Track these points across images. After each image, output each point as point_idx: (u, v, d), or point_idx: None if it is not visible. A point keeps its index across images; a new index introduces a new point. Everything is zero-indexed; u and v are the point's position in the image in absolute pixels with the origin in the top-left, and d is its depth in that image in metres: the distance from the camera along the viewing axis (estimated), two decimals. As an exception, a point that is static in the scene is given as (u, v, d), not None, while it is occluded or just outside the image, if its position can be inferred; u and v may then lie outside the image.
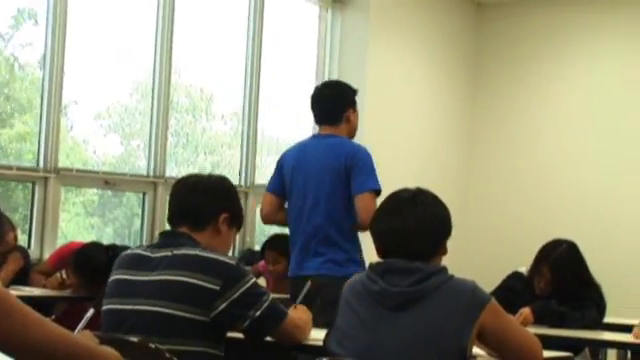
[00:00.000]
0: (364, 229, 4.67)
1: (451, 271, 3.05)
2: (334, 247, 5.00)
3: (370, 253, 3.45)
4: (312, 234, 5.08)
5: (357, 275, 3.15)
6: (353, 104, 5.19)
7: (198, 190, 3.40)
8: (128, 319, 3.23)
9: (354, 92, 5.24)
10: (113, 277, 3.36)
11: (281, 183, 5.23)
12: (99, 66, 7.06)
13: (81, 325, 3.06)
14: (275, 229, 8.20)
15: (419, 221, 3.05)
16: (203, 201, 3.37)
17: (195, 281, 3.17)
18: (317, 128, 5.37)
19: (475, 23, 9.52)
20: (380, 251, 3.12)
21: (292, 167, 5.16)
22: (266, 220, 5.43)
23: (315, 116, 5.23)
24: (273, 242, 6.74)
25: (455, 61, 9.39)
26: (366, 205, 4.84)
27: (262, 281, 6.66)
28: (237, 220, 3.45)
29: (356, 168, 4.95)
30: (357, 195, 4.91)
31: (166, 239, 3.36)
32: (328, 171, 5.04)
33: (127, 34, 7.25)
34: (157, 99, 7.30)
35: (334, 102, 5.16)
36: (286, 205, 5.28)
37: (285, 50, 8.40)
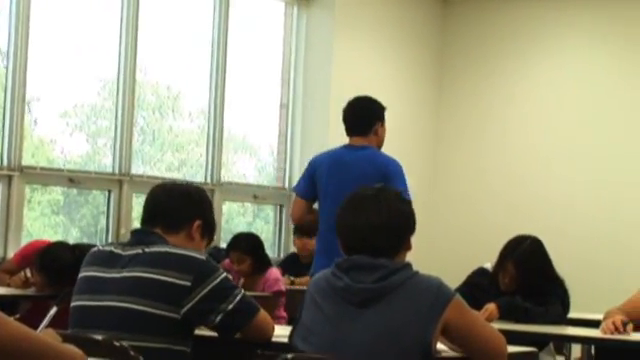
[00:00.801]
0: None
1: (417, 268, 3.07)
2: None
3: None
4: None
5: (322, 272, 3.16)
6: (382, 119, 5.62)
7: (175, 194, 3.42)
8: (98, 316, 3.22)
9: (383, 108, 5.66)
10: (83, 274, 3.36)
11: (311, 187, 5.58)
12: (64, 64, 7.03)
13: (44, 323, 3.06)
14: (240, 228, 8.21)
15: (383, 217, 3.07)
16: (179, 204, 3.39)
17: (166, 278, 3.18)
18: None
19: (441, 20, 9.55)
20: (344, 248, 3.13)
21: (326, 173, 5.50)
22: (297, 222, 6.13)
23: (347, 127, 5.62)
24: (237, 242, 6.71)
25: (421, 58, 9.41)
26: None
27: (228, 279, 6.65)
28: (209, 231, 3.47)
29: (390, 178, 5.32)
30: None
31: (137, 237, 3.37)
32: (364, 179, 5.25)
33: (92, 32, 7.22)
34: (122, 97, 7.28)
35: (365, 115, 5.60)
36: (315, 206, 5.64)
37: (251, 47, 8.39)
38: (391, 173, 5.39)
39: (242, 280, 6.61)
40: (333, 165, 5.50)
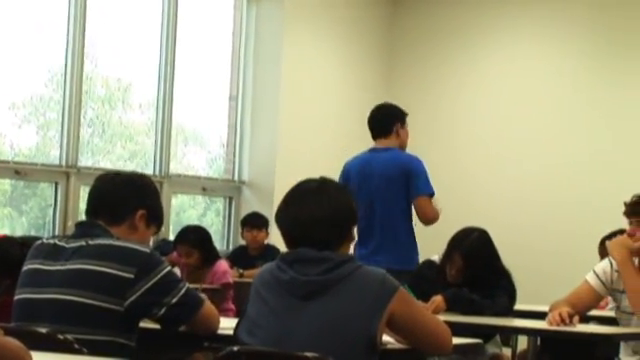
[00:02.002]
0: (427, 224, 5.98)
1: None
2: (398, 244, 5.92)
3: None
4: (381, 234, 5.91)
5: (267, 265, 3.17)
6: (401, 120, 6.18)
7: (116, 184, 3.40)
8: (42, 308, 3.21)
9: (403, 113, 6.23)
10: (27, 267, 3.33)
11: None
12: (12, 56, 6.97)
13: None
14: (191, 221, 8.17)
15: (325, 210, 3.07)
16: (120, 195, 3.37)
17: (109, 270, 3.16)
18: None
19: (390, 13, 9.55)
20: (288, 241, 3.13)
21: (356, 177, 5.96)
22: None
23: (371, 131, 6.14)
24: (185, 234, 6.67)
25: (370, 52, 9.42)
26: (425, 206, 5.95)
27: (176, 271, 6.62)
28: (155, 218, 3.43)
29: (413, 176, 5.92)
30: (416, 198, 5.94)
31: (81, 229, 3.35)
32: (390, 180, 5.92)
33: (40, 23, 7.16)
34: (70, 89, 7.23)
35: (385, 119, 6.15)
36: None
37: (200, 40, 8.36)
38: (413, 170, 5.93)
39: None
40: (361, 169, 5.99)
